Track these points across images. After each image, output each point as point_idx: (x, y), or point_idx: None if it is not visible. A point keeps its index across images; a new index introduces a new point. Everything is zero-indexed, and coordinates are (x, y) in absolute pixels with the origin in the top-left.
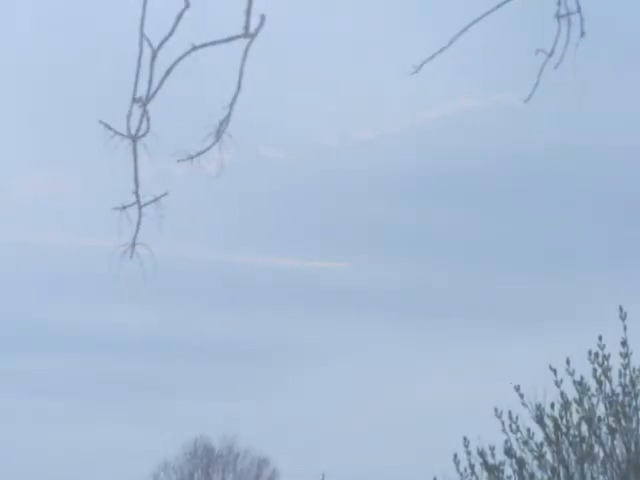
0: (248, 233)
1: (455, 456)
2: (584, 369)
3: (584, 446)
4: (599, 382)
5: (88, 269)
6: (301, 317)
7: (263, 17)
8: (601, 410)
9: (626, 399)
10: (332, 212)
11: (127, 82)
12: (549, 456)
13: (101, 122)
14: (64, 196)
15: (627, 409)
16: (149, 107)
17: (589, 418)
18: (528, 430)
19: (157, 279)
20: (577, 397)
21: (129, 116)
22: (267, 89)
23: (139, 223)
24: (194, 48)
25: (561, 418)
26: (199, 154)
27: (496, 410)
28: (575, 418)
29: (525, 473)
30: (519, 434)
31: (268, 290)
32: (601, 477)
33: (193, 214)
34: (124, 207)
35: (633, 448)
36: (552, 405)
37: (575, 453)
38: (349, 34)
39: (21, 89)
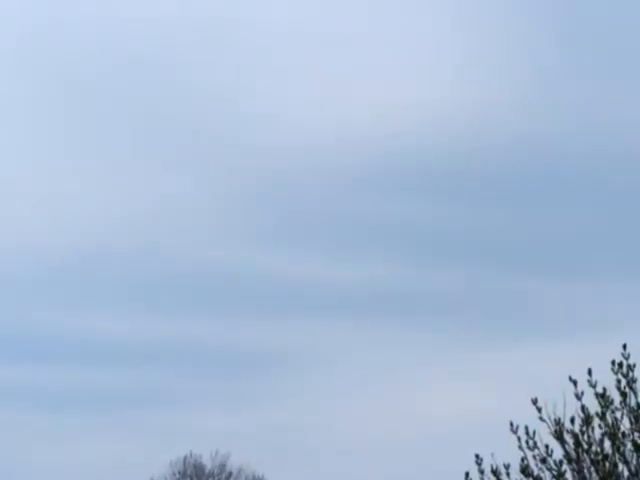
0: (237, 233)
1: (467, 475)
2: (607, 380)
3: (607, 464)
4: (623, 394)
5: (73, 271)
6: (297, 323)
7: None
8: (625, 425)
9: None
10: (328, 211)
11: (125, 92)
12: (569, 475)
13: None
14: (64, 198)
15: None
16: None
17: (612, 433)
18: (546, 447)
19: (147, 284)
20: (599, 411)
21: None
22: (272, 85)
23: None
24: None
25: (582, 434)
26: None
27: (511, 425)
28: (597, 434)
29: None
30: (536, 451)
31: (263, 295)
32: None
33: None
34: None
35: None
36: (572, 419)
37: (597, 472)
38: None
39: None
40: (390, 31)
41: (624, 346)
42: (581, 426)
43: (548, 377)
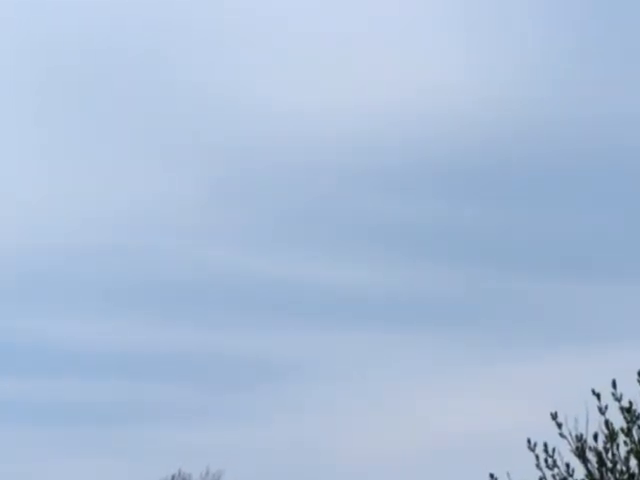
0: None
1: None
2: (633, 393)
3: None
4: None
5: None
6: (296, 329)
7: None
8: None
9: None
10: (325, 209)
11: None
12: None
13: None
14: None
15: None
16: None
17: (639, 451)
18: (567, 465)
19: (136, 289)
20: (625, 426)
21: None
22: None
23: None
24: None
25: (606, 451)
26: None
27: (529, 441)
28: (622, 451)
29: None
30: (556, 470)
31: (259, 299)
32: None
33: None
34: None
35: None
36: (595, 436)
37: None
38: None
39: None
40: (390, 31)
41: None
42: (605, 443)
43: (575, 391)
